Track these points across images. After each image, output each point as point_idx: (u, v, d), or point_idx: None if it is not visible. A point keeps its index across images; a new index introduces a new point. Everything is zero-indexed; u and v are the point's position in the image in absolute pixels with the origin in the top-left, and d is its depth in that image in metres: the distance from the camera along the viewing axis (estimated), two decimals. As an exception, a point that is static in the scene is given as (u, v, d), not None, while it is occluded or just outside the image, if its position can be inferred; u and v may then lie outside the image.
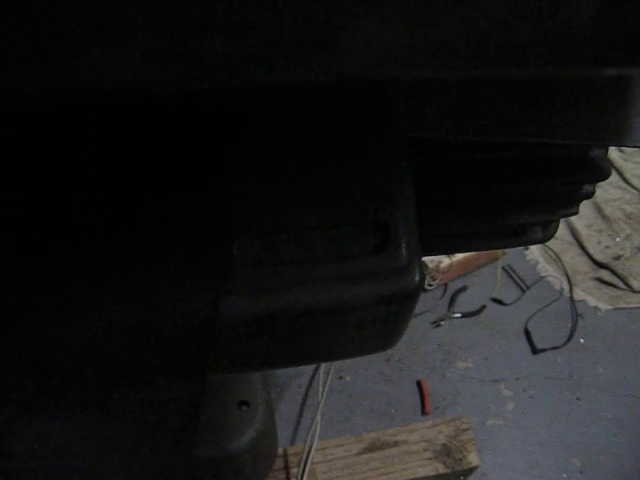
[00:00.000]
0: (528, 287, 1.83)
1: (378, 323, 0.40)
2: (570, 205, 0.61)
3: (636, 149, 2.18)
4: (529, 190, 0.55)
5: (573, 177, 0.55)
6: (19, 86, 0.22)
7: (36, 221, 0.32)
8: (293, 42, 0.22)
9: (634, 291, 1.84)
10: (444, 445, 1.37)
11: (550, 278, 1.87)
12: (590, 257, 1.95)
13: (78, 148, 0.34)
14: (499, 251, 1.82)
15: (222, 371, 0.39)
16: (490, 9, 0.23)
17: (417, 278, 0.38)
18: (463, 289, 1.79)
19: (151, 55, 0.22)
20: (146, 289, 0.32)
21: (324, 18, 0.22)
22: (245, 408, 0.85)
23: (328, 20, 0.22)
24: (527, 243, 0.65)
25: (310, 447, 1.30)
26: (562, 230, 1.99)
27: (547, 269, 1.89)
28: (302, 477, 1.27)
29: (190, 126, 0.35)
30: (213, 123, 0.35)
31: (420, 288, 0.38)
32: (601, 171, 0.56)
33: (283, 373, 1.54)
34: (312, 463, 1.30)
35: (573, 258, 1.95)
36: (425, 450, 1.36)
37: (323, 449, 1.34)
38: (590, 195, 0.61)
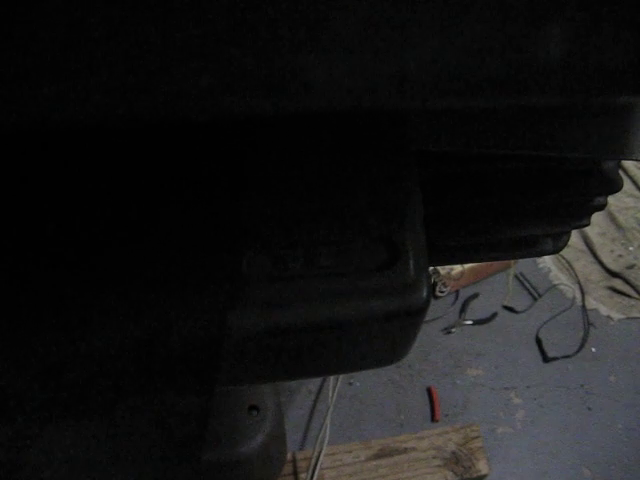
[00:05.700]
0: (540, 295, 1.82)
1: (386, 338, 0.40)
2: (581, 217, 0.61)
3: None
4: (539, 202, 0.55)
5: (584, 189, 0.55)
6: None
7: (50, 236, 0.33)
8: (258, 77, 0.23)
9: (646, 301, 1.83)
10: (453, 453, 1.36)
11: (562, 286, 1.85)
12: (603, 266, 1.93)
13: (87, 160, 0.34)
14: (511, 259, 1.81)
15: (230, 384, 0.40)
16: (456, 43, 0.24)
17: (425, 294, 0.38)
18: (475, 296, 1.79)
19: (110, 90, 0.22)
20: (156, 303, 0.33)
21: (287, 53, 0.22)
22: (255, 413, 0.85)
23: (291, 54, 0.22)
24: (538, 254, 0.65)
25: (319, 452, 1.30)
26: (575, 238, 1.98)
27: (559, 277, 1.88)
28: (310, 482, 1.27)
29: (201, 143, 0.35)
30: (224, 139, 0.36)
31: (428, 305, 0.38)
32: (613, 183, 0.56)
33: (293, 378, 1.54)
34: (321, 469, 1.30)
35: (586, 266, 1.93)
36: (434, 457, 1.36)
37: (332, 455, 1.34)
38: (602, 207, 0.61)
